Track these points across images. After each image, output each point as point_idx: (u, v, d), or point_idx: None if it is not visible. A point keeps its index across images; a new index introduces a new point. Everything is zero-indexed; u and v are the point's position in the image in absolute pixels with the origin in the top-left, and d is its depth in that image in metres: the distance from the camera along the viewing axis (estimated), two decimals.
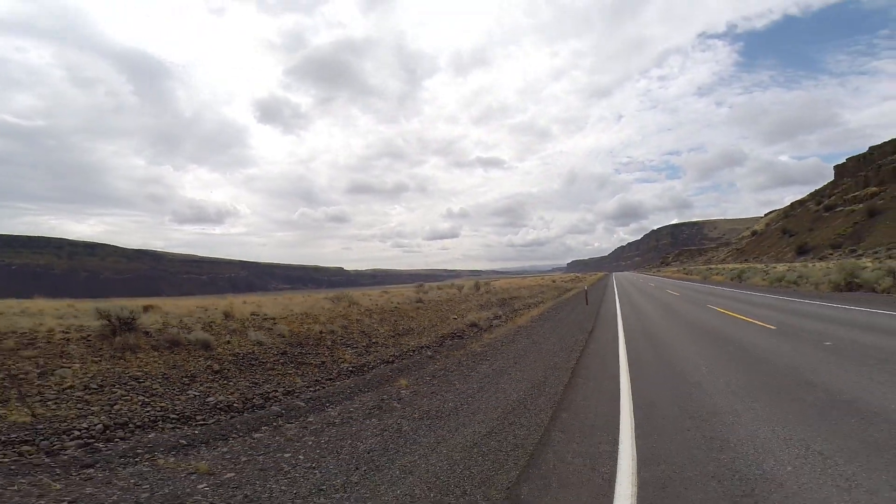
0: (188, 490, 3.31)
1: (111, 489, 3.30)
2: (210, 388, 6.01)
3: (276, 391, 6.29)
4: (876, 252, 64.10)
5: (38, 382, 5.23)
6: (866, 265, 20.15)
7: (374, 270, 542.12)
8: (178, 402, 5.43)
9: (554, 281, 51.67)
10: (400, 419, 4.94)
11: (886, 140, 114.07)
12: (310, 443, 4.36)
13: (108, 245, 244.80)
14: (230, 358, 7.02)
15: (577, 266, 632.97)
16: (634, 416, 4.40)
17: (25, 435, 4.17)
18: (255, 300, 18.39)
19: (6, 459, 3.69)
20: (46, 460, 3.77)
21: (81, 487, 3.30)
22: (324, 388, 6.65)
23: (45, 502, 2.99)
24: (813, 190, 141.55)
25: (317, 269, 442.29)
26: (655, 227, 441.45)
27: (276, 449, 4.21)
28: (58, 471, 3.56)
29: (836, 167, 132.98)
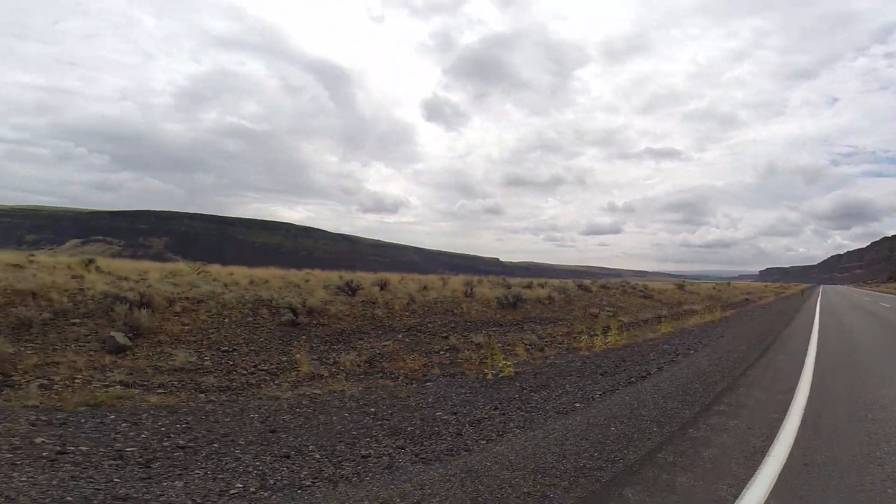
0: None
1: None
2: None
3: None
4: None
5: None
6: None
7: (527, 263, 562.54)
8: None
9: (766, 286, 66.75)
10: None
11: None
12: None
13: (316, 229, 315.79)
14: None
15: (774, 274, 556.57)
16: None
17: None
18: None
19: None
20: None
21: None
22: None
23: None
24: None
25: (475, 258, 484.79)
26: (890, 234, 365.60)
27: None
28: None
29: None
